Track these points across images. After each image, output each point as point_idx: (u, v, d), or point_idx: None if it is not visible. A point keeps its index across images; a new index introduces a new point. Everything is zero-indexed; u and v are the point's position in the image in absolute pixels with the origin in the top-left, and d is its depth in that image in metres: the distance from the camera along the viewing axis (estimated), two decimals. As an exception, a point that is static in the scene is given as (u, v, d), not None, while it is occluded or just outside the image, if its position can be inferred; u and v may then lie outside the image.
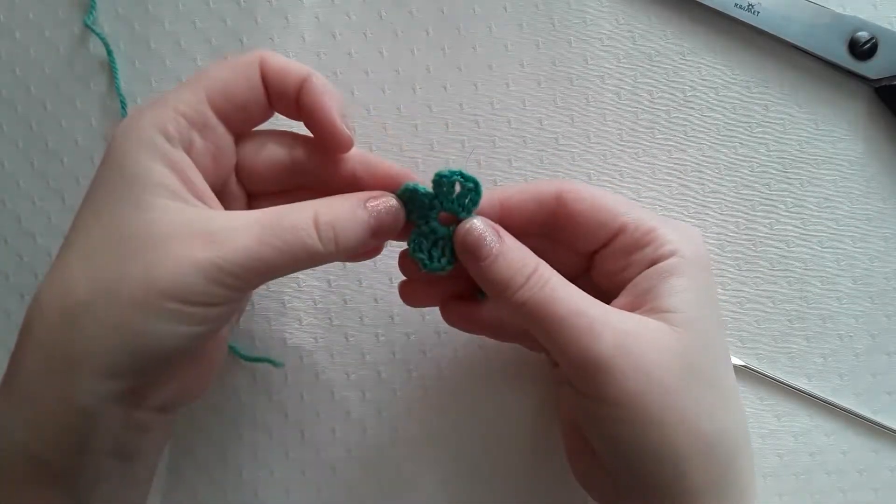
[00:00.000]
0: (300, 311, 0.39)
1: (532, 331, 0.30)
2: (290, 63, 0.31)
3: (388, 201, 0.31)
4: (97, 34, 0.40)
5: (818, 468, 0.39)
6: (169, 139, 0.29)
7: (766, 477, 0.39)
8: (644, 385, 0.28)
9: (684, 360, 0.29)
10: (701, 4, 0.40)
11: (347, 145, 0.32)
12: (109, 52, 0.40)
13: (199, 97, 0.30)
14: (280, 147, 0.33)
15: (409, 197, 0.31)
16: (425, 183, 0.31)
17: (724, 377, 0.31)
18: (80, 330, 0.26)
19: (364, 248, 0.31)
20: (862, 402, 0.39)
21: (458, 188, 0.31)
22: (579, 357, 0.29)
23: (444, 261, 0.32)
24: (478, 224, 0.31)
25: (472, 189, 0.31)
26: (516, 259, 0.30)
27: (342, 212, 0.29)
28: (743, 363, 0.39)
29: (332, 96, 0.31)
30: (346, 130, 0.31)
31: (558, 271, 0.35)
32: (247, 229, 0.28)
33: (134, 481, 0.31)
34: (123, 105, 0.40)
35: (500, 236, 0.31)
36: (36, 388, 0.27)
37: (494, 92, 0.40)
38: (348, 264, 0.39)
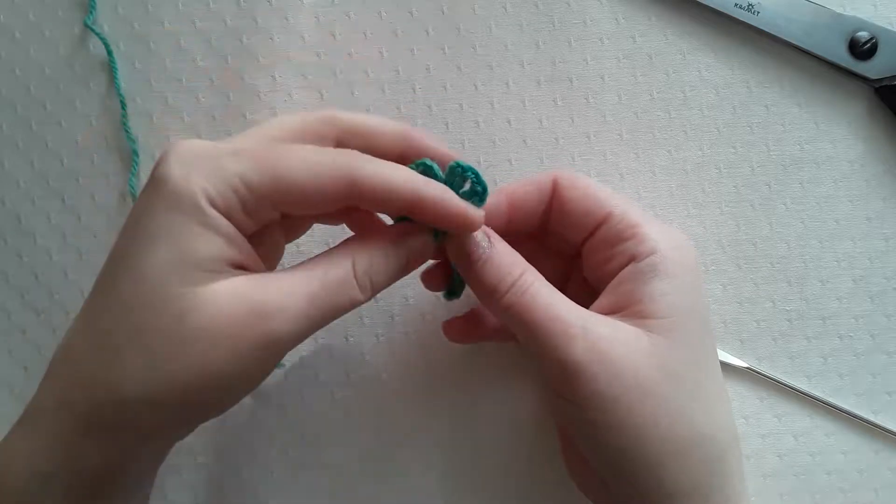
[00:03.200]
0: (300, 311, 0.39)
1: (516, 334, 0.31)
2: (393, 183, 0.28)
3: (421, 239, 0.31)
4: (97, 34, 0.40)
5: (818, 468, 0.39)
6: (221, 211, 0.27)
7: (766, 477, 0.39)
8: (617, 389, 0.29)
9: (660, 364, 0.30)
10: (701, 4, 0.40)
11: (481, 221, 0.30)
12: (109, 52, 0.40)
13: (263, 189, 0.27)
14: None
15: (420, 172, 0.31)
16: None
17: (707, 381, 0.31)
18: (131, 411, 0.27)
19: (394, 282, 0.31)
20: (862, 403, 0.39)
21: (467, 185, 0.31)
22: (554, 361, 0.29)
23: None
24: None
25: (480, 193, 0.31)
26: (504, 264, 0.31)
27: (377, 256, 0.29)
28: (746, 365, 0.39)
29: (452, 196, 0.30)
30: (472, 209, 0.30)
31: (553, 263, 0.36)
32: (296, 296, 0.27)
33: (145, 488, 0.32)
34: (123, 105, 0.40)
35: (490, 242, 0.31)
36: (73, 451, 0.27)
37: (494, 92, 0.40)
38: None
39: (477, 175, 0.31)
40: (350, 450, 0.39)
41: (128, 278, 0.27)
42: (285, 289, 0.27)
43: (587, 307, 0.32)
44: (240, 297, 0.27)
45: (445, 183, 0.31)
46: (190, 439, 0.39)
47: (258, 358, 0.27)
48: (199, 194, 0.27)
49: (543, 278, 0.31)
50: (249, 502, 0.39)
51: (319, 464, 0.39)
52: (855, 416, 0.39)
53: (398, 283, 0.39)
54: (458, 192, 0.31)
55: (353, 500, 0.39)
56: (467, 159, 0.40)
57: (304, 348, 0.39)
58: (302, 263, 0.29)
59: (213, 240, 0.27)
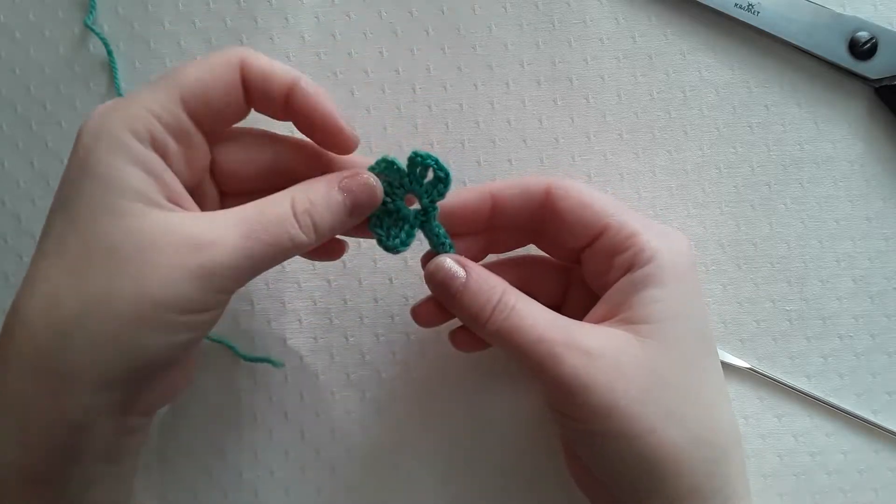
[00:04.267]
0: (300, 311, 0.39)
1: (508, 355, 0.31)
2: (274, 66, 0.30)
3: (362, 178, 0.31)
4: (97, 34, 0.40)
5: (818, 468, 0.39)
6: (141, 141, 0.28)
7: (766, 477, 0.39)
8: (609, 400, 0.29)
9: (652, 370, 0.30)
10: (701, 4, 0.40)
11: (355, 144, 0.31)
12: (109, 52, 0.40)
13: (173, 99, 0.29)
14: (259, 149, 0.32)
15: (383, 169, 0.31)
16: (403, 160, 0.32)
17: (703, 385, 0.31)
18: (72, 347, 0.26)
19: (343, 228, 0.31)
20: (862, 402, 0.39)
21: (430, 174, 0.32)
22: (545, 380, 0.30)
23: (397, 241, 0.32)
24: (446, 261, 0.31)
25: (442, 179, 0.31)
26: (482, 290, 0.31)
27: (317, 197, 0.30)
28: (747, 365, 0.39)
29: (327, 98, 0.31)
30: (352, 130, 0.31)
31: (555, 266, 0.36)
32: (232, 229, 0.28)
33: (121, 479, 0.31)
34: (123, 105, 0.40)
35: (466, 269, 0.31)
36: (25, 404, 0.27)
37: (494, 92, 0.40)
38: (348, 263, 0.39)
39: (437, 162, 0.31)
40: (350, 450, 0.39)
41: (61, 220, 0.28)
42: (220, 223, 0.28)
43: (589, 310, 0.32)
44: (172, 229, 0.27)
45: (407, 175, 0.32)
46: (190, 440, 0.39)
47: (195, 289, 0.27)
48: (117, 127, 0.28)
49: (524, 296, 0.31)
50: (249, 502, 0.39)
51: (319, 464, 0.39)
52: (855, 417, 0.39)
53: (398, 283, 0.39)
54: (421, 182, 0.32)
55: (353, 500, 0.39)
56: (467, 159, 0.40)
57: (304, 348, 0.39)
58: (242, 205, 0.29)
59: (134, 171, 0.27)
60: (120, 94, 0.40)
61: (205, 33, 0.41)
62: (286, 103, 0.31)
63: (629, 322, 0.30)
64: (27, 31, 0.41)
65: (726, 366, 0.39)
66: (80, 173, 0.28)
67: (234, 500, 0.39)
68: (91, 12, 0.40)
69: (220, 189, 0.33)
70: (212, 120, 0.30)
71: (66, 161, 0.40)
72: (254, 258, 0.28)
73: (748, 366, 0.39)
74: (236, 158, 0.32)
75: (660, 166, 0.40)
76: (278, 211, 0.29)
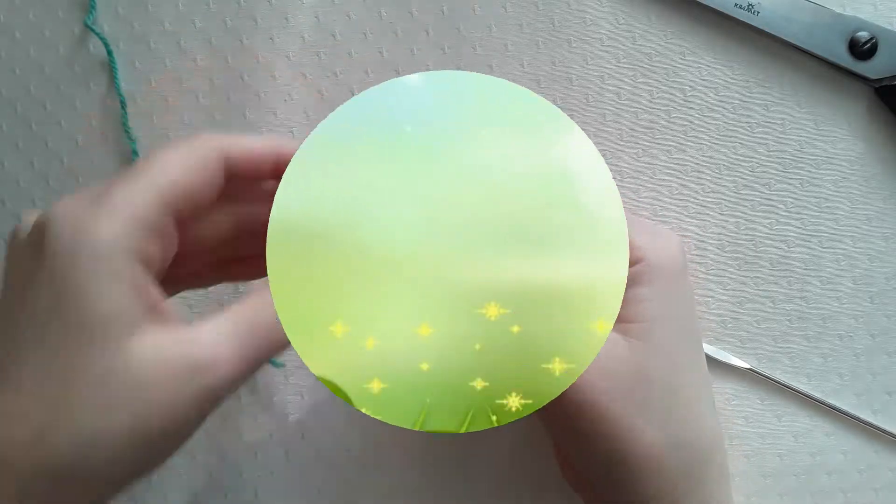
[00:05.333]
0: (300, 311, 0.39)
1: None
2: (255, 147, 0.29)
3: None
4: (97, 34, 0.40)
5: (818, 468, 0.39)
6: (127, 254, 0.25)
7: (766, 477, 0.39)
8: (591, 396, 0.29)
9: (636, 370, 0.30)
10: (701, 4, 0.40)
11: None
12: (109, 52, 0.40)
13: (156, 201, 0.26)
14: (220, 218, 0.31)
15: None
16: None
17: (687, 386, 0.31)
18: (62, 487, 0.25)
19: None
20: (862, 403, 0.39)
21: None
22: None
23: None
24: None
25: None
26: None
27: None
28: (747, 366, 0.39)
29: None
30: None
31: None
32: (226, 345, 0.26)
33: None
34: (123, 105, 0.40)
35: None
36: None
37: (494, 92, 0.40)
38: (348, 264, 0.39)
39: None
40: (350, 450, 0.39)
41: (40, 351, 0.25)
42: (214, 340, 0.26)
43: None
44: (166, 356, 0.25)
45: None
46: (190, 439, 0.39)
47: (194, 410, 0.26)
48: (101, 240, 0.25)
49: None
50: (249, 502, 0.39)
51: (319, 464, 0.39)
52: (854, 418, 0.39)
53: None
54: None
55: (353, 500, 0.39)
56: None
57: (304, 348, 0.39)
58: (228, 308, 0.27)
59: (122, 294, 0.25)
60: (120, 94, 0.40)
61: (205, 33, 0.41)
62: (274, 172, 0.29)
63: (617, 321, 0.31)
64: (27, 31, 0.41)
65: (726, 366, 0.39)
66: (60, 298, 0.25)
67: (234, 500, 0.39)
68: (91, 12, 0.40)
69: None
70: (190, 215, 0.28)
71: (66, 161, 0.41)
72: (251, 368, 0.27)
73: (748, 366, 0.39)
74: (201, 236, 0.31)
75: (660, 166, 0.40)
76: (269, 318, 0.27)
